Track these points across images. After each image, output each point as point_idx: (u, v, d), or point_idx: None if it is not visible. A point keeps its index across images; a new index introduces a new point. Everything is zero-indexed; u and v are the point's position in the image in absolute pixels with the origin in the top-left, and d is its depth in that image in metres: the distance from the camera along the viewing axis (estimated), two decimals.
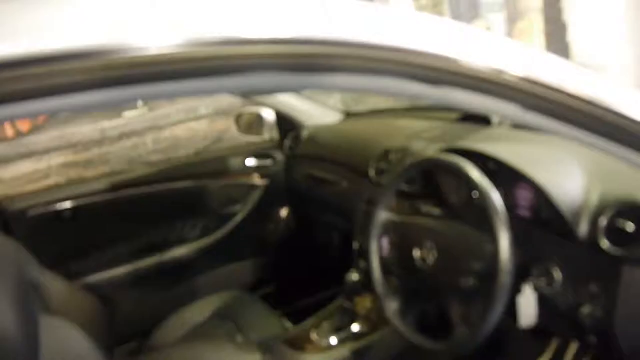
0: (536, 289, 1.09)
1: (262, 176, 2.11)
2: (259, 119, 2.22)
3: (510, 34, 4.86)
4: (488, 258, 1.03)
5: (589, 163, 1.10)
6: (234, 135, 2.32)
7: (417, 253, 1.15)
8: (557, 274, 1.08)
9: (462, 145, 1.28)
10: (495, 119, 1.56)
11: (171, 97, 0.57)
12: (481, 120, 1.59)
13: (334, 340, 1.48)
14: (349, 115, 2.18)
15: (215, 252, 2.04)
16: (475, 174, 1.06)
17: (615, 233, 0.96)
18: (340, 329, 1.51)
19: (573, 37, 4.75)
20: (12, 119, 0.48)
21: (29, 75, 0.42)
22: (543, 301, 1.09)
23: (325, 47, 0.55)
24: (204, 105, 3.31)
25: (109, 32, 0.46)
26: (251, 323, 1.62)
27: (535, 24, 4.81)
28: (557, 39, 4.75)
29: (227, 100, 3.25)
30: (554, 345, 1.26)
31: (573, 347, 1.19)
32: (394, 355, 1.47)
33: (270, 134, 2.18)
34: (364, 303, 1.61)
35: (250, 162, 2.10)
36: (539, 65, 0.70)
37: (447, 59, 0.63)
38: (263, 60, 0.53)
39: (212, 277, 2.04)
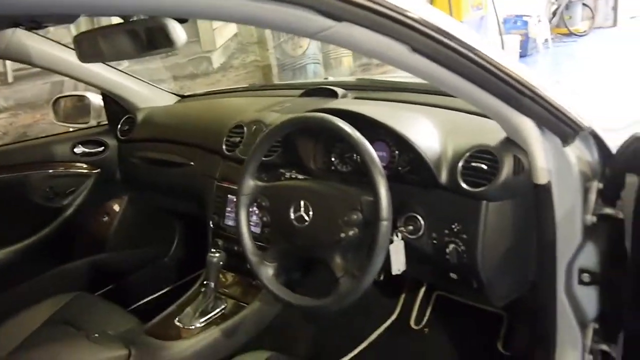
0: (403, 237, 1.17)
1: (93, 164, 1.91)
2: (83, 103, 2.01)
3: None
4: (366, 208, 1.07)
5: (440, 122, 1.21)
6: (45, 129, 2.07)
7: (292, 214, 1.14)
8: (421, 222, 1.17)
9: (324, 107, 1.31)
10: (340, 92, 1.61)
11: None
12: (325, 93, 1.64)
13: (200, 324, 1.41)
14: (183, 97, 2.09)
15: (44, 252, 1.79)
16: (348, 126, 1.08)
17: (471, 175, 1.08)
18: (205, 311, 1.44)
19: None
20: None
21: None
22: (410, 248, 1.17)
23: None
24: (3, 97, 2.89)
25: None
26: (98, 322, 1.46)
27: None
28: None
29: (32, 92, 2.89)
30: (421, 288, 1.37)
31: (437, 289, 1.31)
32: (266, 326, 1.45)
33: (97, 119, 1.99)
34: (226, 281, 1.57)
35: (78, 149, 1.89)
36: (430, 11, 0.76)
37: None
38: None
39: (43, 280, 1.79)
